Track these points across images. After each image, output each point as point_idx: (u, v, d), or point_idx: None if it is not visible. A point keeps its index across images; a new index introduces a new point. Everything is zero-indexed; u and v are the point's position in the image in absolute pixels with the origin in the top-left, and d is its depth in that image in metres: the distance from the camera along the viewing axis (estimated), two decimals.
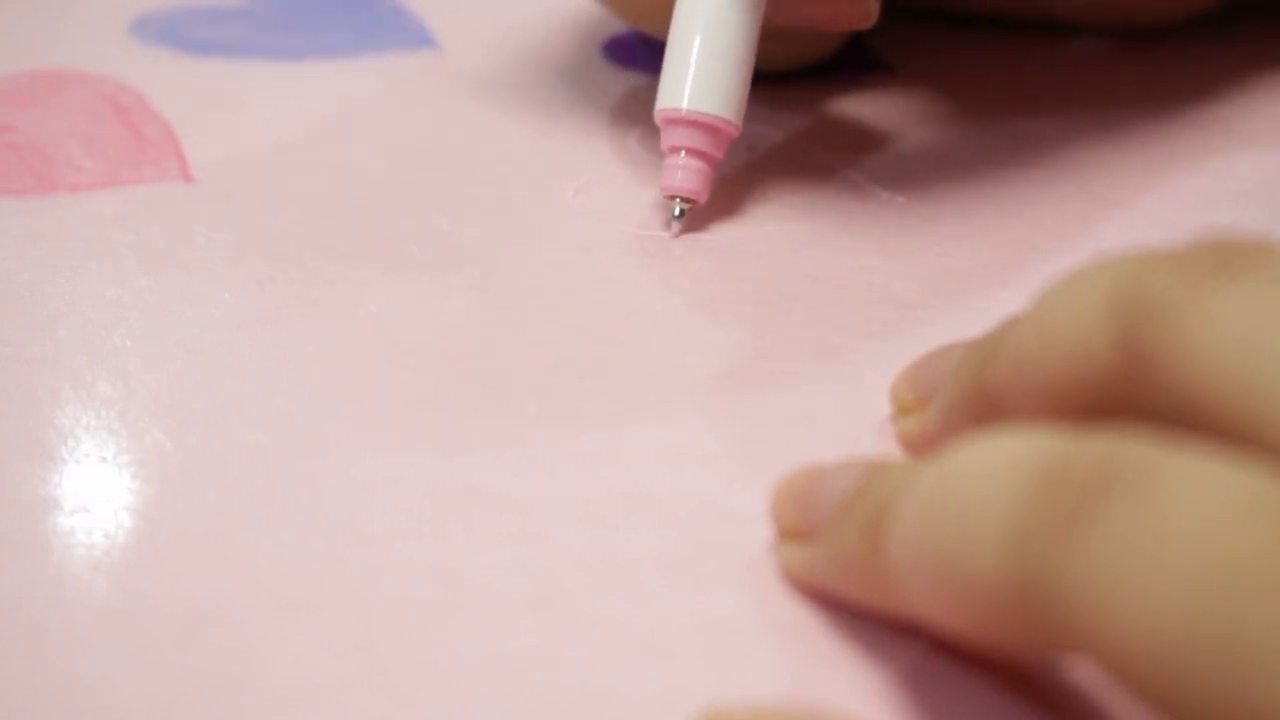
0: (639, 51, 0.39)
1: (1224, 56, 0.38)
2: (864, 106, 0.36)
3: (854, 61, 0.38)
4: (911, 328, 0.28)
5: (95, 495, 0.23)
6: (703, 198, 0.31)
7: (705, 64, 0.30)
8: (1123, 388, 0.18)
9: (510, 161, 0.33)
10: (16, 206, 0.31)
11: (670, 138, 0.31)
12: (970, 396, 0.22)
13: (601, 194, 0.32)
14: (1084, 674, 0.20)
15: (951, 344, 0.24)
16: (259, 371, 0.26)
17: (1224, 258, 0.18)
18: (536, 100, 0.36)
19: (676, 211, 0.31)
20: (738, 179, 0.33)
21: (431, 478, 0.23)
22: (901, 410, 0.24)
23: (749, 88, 0.31)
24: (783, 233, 0.31)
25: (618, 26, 0.40)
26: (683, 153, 0.30)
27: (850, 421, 0.25)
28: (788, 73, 0.36)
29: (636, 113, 0.35)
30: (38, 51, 0.38)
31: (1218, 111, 0.36)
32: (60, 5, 0.40)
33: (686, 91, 0.30)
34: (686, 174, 0.31)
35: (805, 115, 0.36)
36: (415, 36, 0.39)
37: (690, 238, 0.30)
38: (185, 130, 0.34)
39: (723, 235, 0.31)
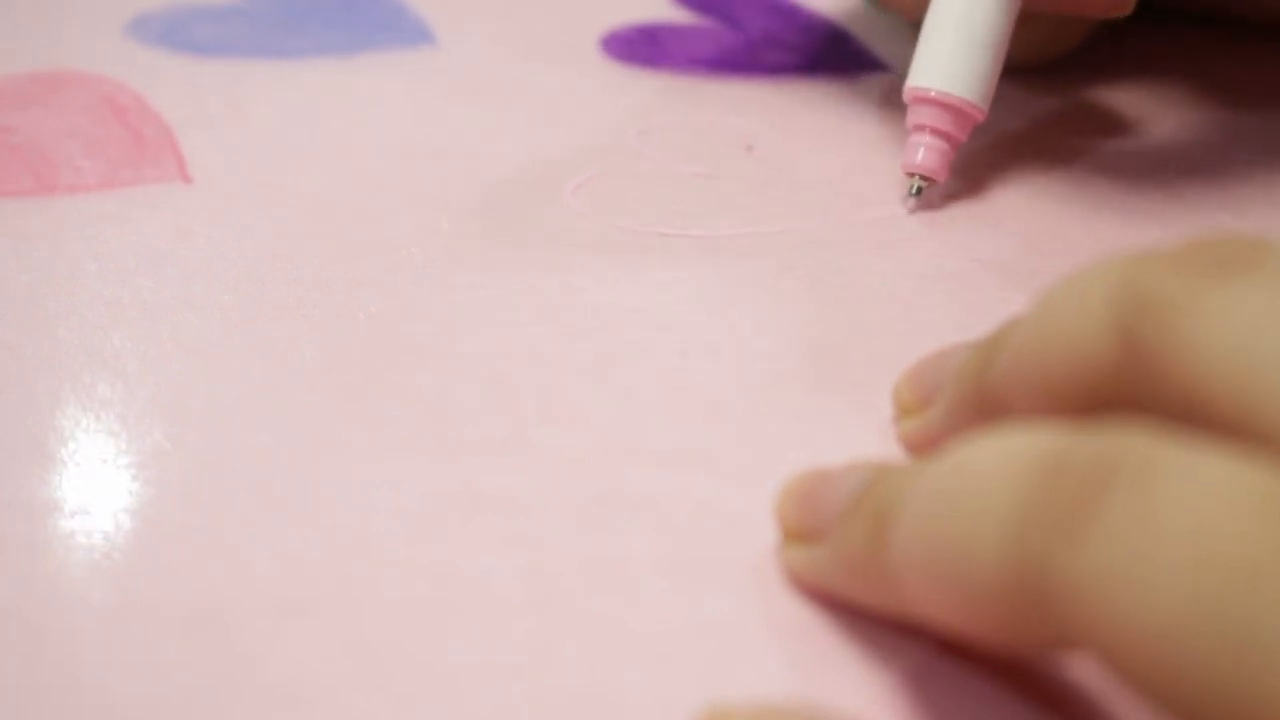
0: (638, 47, 0.38)
1: None
2: (868, 108, 0.36)
3: (850, 62, 0.38)
4: (912, 328, 0.28)
5: (95, 497, 0.23)
6: (942, 177, 0.31)
7: (959, 47, 0.31)
8: (1123, 386, 0.18)
9: (510, 160, 0.33)
10: (16, 207, 0.31)
11: (917, 116, 0.31)
12: (972, 397, 0.22)
13: (601, 191, 0.32)
14: (1088, 676, 0.20)
15: (953, 345, 0.24)
16: (259, 371, 0.26)
17: (1223, 255, 0.18)
18: (536, 97, 0.36)
19: (914, 189, 0.31)
20: (739, 177, 0.33)
21: (431, 478, 0.23)
22: (903, 411, 0.24)
23: (999, 74, 0.31)
24: (783, 233, 0.31)
25: (617, 22, 0.40)
26: (927, 131, 0.31)
27: (852, 422, 0.25)
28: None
29: (636, 109, 0.35)
30: (37, 51, 0.38)
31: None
32: (60, 5, 0.40)
33: (938, 72, 0.31)
34: (929, 153, 0.31)
35: (807, 116, 0.36)
36: (415, 33, 0.39)
37: (692, 237, 0.30)
38: (184, 130, 0.34)
39: (724, 234, 0.31)
